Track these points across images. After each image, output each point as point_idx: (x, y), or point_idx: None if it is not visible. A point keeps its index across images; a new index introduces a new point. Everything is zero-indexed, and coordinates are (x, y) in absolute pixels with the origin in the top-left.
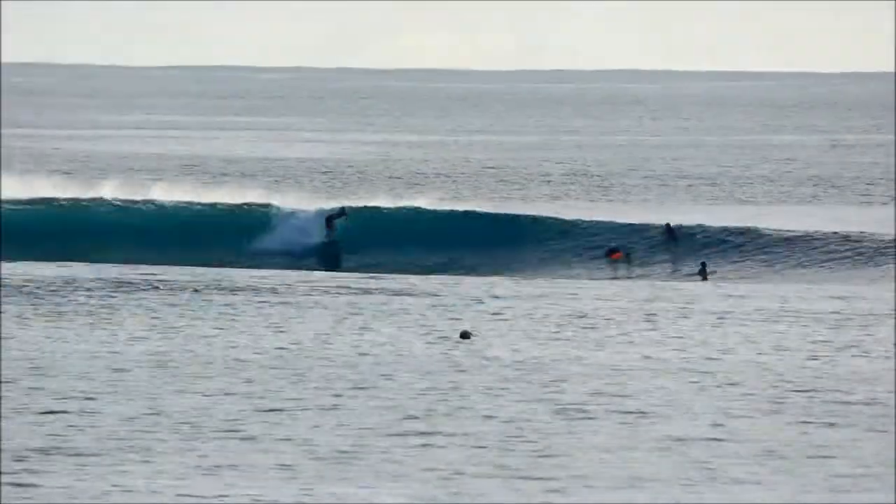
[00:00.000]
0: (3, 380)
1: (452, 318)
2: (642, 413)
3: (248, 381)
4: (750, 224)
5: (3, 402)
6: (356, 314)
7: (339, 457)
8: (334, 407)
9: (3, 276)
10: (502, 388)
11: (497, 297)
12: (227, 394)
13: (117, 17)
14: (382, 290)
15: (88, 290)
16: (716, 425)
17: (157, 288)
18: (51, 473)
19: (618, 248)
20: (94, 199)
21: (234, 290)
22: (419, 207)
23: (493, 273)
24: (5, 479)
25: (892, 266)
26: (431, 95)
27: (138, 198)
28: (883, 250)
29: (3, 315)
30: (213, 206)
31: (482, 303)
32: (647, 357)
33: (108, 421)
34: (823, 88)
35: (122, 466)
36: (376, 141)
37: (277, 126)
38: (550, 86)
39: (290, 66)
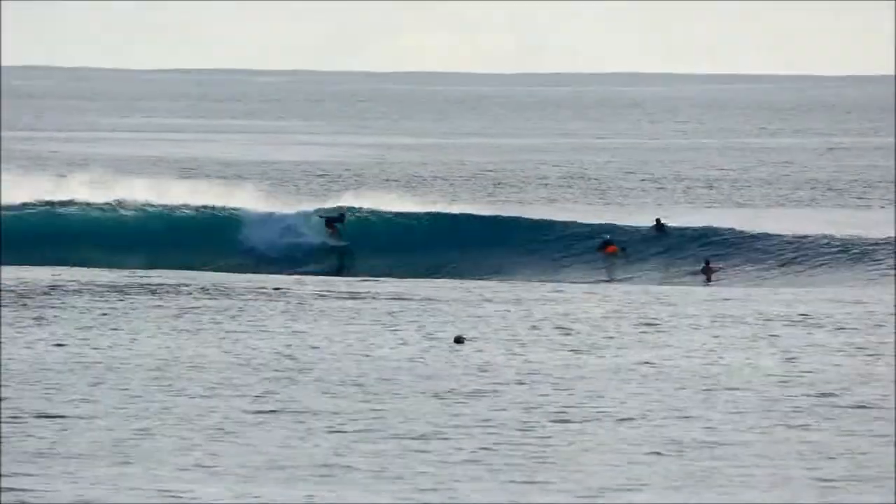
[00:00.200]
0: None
1: (446, 321)
2: (643, 416)
3: (245, 384)
4: (747, 227)
5: (2, 403)
6: (353, 318)
7: (334, 460)
8: (329, 410)
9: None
10: (496, 393)
11: (492, 301)
12: (222, 397)
13: (117, 18)
14: (378, 294)
15: (78, 293)
16: (710, 428)
17: (153, 292)
18: (46, 476)
19: (612, 241)
20: (73, 202)
21: (230, 294)
22: (415, 211)
23: (489, 277)
24: (5, 482)
25: (890, 269)
26: (429, 98)
27: (129, 199)
28: (880, 253)
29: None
30: (209, 207)
31: (478, 306)
32: (645, 362)
33: (103, 424)
34: (821, 91)
35: (120, 469)
36: (373, 144)
37: (274, 129)
38: (548, 89)
39: (290, 67)
